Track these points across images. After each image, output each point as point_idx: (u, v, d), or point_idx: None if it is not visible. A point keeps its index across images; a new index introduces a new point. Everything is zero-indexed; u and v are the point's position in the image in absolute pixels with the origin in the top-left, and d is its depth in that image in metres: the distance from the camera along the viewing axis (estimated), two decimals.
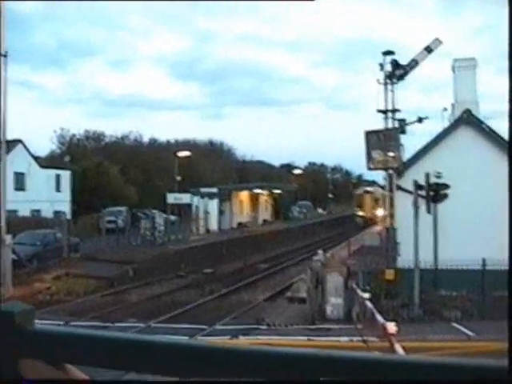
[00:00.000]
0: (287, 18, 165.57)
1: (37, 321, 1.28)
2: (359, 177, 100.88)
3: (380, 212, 54.54)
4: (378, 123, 27.49)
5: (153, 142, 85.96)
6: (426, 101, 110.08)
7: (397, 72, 26.82)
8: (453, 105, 28.87)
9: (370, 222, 65.40)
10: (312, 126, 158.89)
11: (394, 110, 27.18)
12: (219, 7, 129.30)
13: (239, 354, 1.18)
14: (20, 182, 50.62)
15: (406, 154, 27.81)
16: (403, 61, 27.04)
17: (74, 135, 78.87)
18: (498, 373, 1.03)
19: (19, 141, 51.49)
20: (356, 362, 1.11)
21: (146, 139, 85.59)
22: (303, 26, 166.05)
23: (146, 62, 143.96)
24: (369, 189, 74.26)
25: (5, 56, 19.66)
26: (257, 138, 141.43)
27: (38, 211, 52.02)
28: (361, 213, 71.51)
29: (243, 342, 16.18)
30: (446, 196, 23.42)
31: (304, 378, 1.11)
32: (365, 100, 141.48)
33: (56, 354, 1.26)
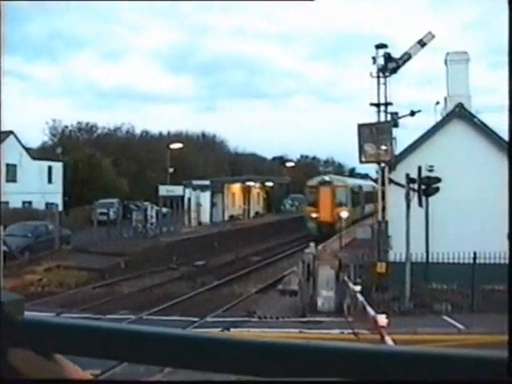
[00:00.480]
0: (280, 11, 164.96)
1: (28, 312, 1.28)
2: (352, 170, 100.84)
3: (344, 213, 44.46)
4: (370, 116, 27.53)
5: (145, 134, 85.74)
6: (419, 94, 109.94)
7: (389, 65, 26.82)
8: (445, 98, 28.92)
9: (329, 228, 46.04)
10: (304, 119, 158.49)
11: (387, 104, 27.20)
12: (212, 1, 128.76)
13: (231, 345, 1.18)
14: (11, 173, 50.36)
15: (399, 148, 27.88)
16: (396, 54, 27.06)
17: (66, 127, 78.58)
18: (497, 365, 1.04)
19: (11, 132, 51.26)
20: (347, 353, 1.11)
21: (138, 131, 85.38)
22: (296, 20, 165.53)
23: (139, 54, 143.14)
24: (328, 178, 54.74)
25: None
26: (249, 130, 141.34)
27: (30, 203, 51.85)
28: (315, 214, 49.80)
29: (233, 334, 16.20)
30: (437, 189, 23.49)
31: (295, 369, 1.11)
32: (357, 93, 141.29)
33: (46, 344, 1.25)
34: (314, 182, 53.82)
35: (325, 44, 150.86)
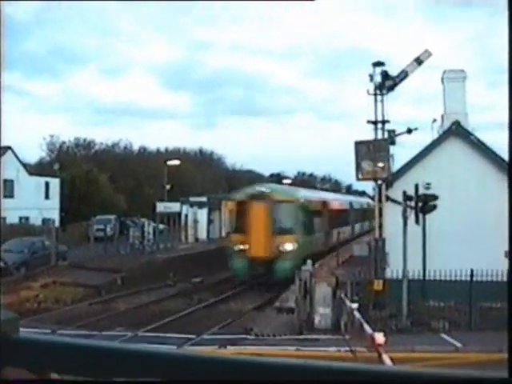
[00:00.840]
0: (279, 27, 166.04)
1: (24, 329, 1.27)
2: (348, 187, 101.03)
3: (288, 245, 32.45)
4: (368, 134, 27.59)
5: (143, 151, 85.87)
6: (416, 112, 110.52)
7: (386, 83, 26.93)
8: (442, 116, 29.02)
9: (265, 267, 31.98)
10: (303, 136, 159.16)
11: (384, 121, 27.27)
12: (211, 16, 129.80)
13: (225, 364, 1.18)
14: (9, 188, 50.37)
15: (396, 165, 27.92)
16: (394, 72, 27.18)
17: (63, 142, 78.78)
18: None
19: (8, 147, 51.31)
20: (343, 373, 1.11)
21: (136, 147, 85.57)
22: (295, 36, 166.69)
23: (139, 70, 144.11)
24: (265, 189, 35.45)
25: None
26: (247, 147, 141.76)
27: (27, 218, 51.82)
28: (242, 246, 33.13)
29: (231, 352, 16.13)
30: (434, 207, 23.50)
31: None
32: (355, 111, 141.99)
33: (40, 363, 1.25)
34: (242, 195, 35.24)
35: (324, 61, 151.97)
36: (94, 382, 1.23)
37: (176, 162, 59.92)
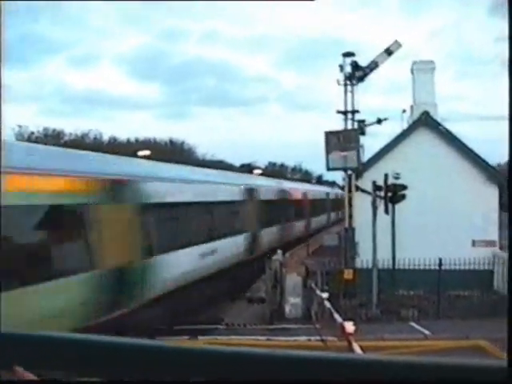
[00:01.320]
0: (250, 16, 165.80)
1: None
2: (319, 177, 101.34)
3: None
4: (338, 124, 27.71)
5: (113, 141, 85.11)
6: (387, 102, 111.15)
7: (356, 73, 27.04)
8: (412, 107, 29.26)
9: None
10: (274, 126, 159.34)
11: (354, 111, 27.41)
12: (182, 5, 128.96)
13: (198, 354, 1.17)
14: None
15: (366, 155, 28.09)
16: (366, 62, 27.29)
17: (32, 133, 77.65)
18: (498, 373, 1.04)
19: None
20: (313, 361, 1.10)
21: (105, 138, 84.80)
22: (267, 25, 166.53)
23: (108, 60, 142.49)
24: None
25: None
26: (218, 137, 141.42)
27: None
28: None
29: (202, 342, 16.12)
30: (403, 197, 23.70)
31: (260, 378, 1.10)
32: (326, 100, 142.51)
33: (22, 359, 1.22)
34: None
35: (295, 50, 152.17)
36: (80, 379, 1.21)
37: (146, 153, 59.48)
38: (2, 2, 1.36)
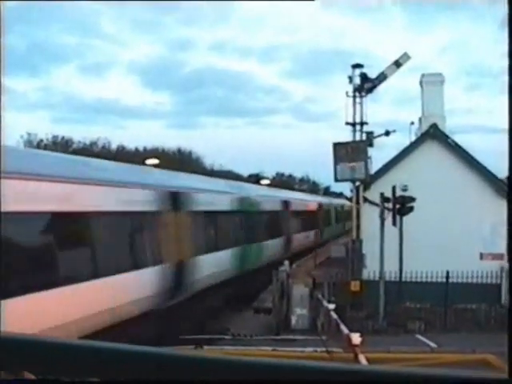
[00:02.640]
0: (260, 27, 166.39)
1: None
2: (327, 188, 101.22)
3: None
4: (346, 135, 27.73)
5: (121, 149, 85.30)
6: (395, 114, 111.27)
7: (365, 85, 27.08)
8: (420, 119, 29.23)
9: None
10: (282, 137, 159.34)
11: (362, 123, 27.43)
12: (193, 15, 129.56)
13: (204, 364, 1.17)
14: None
15: (374, 167, 28.06)
16: (375, 74, 27.32)
17: (41, 141, 77.90)
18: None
19: None
20: (319, 372, 1.11)
21: (114, 146, 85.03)
22: (276, 36, 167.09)
23: (119, 68, 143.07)
24: None
25: None
26: (227, 147, 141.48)
27: None
28: None
29: (207, 351, 16.08)
30: (411, 209, 23.65)
31: None
32: (335, 112, 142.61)
33: (16, 362, 1.23)
34: None
35: (304, 62, 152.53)
36: (72, 382, 1.22)
37: (154, 161, 59.61)
38: (2, 2, 1.38)
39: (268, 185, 62.19)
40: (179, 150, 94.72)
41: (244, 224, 27.04)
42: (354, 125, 27.33)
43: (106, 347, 1.24)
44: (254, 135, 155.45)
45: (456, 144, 27.67)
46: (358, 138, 27.47)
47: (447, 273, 24.08)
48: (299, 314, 22.52)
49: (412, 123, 30.15)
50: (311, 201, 50.05)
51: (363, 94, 27.20)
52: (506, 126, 1.13)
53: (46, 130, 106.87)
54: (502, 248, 26.02)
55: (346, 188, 35.03)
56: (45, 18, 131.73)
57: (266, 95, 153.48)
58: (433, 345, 19.27)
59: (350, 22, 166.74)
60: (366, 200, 26.34)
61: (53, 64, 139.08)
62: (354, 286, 24.32)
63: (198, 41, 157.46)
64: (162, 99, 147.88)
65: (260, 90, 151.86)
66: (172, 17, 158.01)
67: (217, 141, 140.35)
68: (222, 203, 24.50)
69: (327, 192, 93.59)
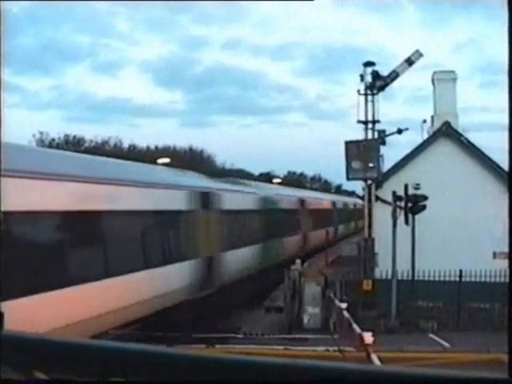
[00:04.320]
0: (272, 25, 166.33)
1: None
2: (338, 187, 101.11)
3: None
4: (358, 134, 27.64)
5: (133, 148, 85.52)
6: (408, 112, 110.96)
7: (377, 83, 26.98)
8: (432, 117, 29.10)
9: None
10: (294, 135, 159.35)
11: (374, 121, 27.33)
12: (205, 14, 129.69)
13: (216, 363, 1.17)
14: None
15: (386, 165, 27.95)
16: (387, 71, 27.22)
17: (53, 139, 78.25)
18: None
19: None
20: (332, 371, 1.10)
21: (125, 145, 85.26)
22: (288, 34, 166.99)
23: (131, 67, 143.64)
24: None
25: None
26: (238, 146, 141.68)
27: None
28: None
29: (219, 350, 16.11)
30: (424, 207, 23.55)
31: None
32: (347, 110, 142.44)
33: (26, 361, 1.22)
34: None
35: (316, 60, 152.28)
36: (83, 381, 1.21)
37: (166, 160, 59.73)
38: (2, 2, 1.38)
39: (279, 183, 62.66)
40: (190, 149, 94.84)
41: (266, 222, 28.33)
42: (366, 123, 27.24)
43: (114, 347, 1.24)
44: (267, 133, 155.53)
45: (469, 142, 27.53)
46: (370, 136, 27.36)
47: (460, 271, 23.98)
48: (311, 312, 22.50)
49: (424, 121, 30.00)
50: (325, 199, 51.21)
51: (375, 91, 27.11)
52: (506, 124, 1.11)
53: (57, 129, 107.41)
54: None
55: (358, 186, 34.93)
56: (58, 18, 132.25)
57: (278, 93, 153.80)
58: (446, 344, 19.20)
59: (363, 19, 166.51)
60: (378, 198, 26.26)
61: (65, 63, 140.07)
62: (367, 284, 24.27)
63: (210, 39, 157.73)
64: (174, 98, 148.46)
65: (272, 88, 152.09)
66: (185, 16, 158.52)
67: (229, 139, 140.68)
68: (246, 203, 26.14)
69: (339, 190, 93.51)
